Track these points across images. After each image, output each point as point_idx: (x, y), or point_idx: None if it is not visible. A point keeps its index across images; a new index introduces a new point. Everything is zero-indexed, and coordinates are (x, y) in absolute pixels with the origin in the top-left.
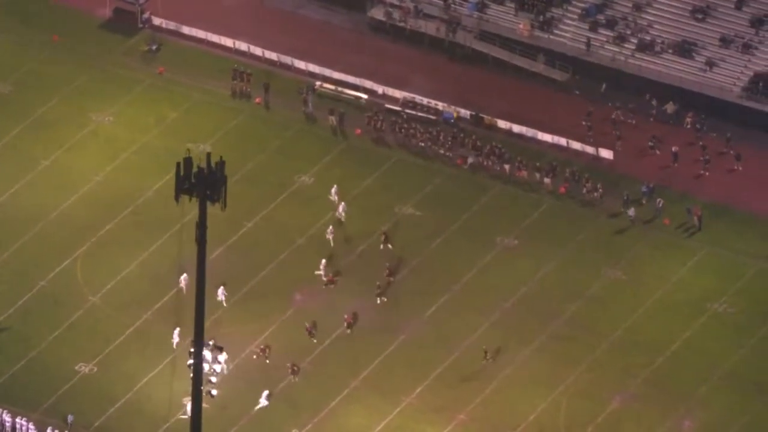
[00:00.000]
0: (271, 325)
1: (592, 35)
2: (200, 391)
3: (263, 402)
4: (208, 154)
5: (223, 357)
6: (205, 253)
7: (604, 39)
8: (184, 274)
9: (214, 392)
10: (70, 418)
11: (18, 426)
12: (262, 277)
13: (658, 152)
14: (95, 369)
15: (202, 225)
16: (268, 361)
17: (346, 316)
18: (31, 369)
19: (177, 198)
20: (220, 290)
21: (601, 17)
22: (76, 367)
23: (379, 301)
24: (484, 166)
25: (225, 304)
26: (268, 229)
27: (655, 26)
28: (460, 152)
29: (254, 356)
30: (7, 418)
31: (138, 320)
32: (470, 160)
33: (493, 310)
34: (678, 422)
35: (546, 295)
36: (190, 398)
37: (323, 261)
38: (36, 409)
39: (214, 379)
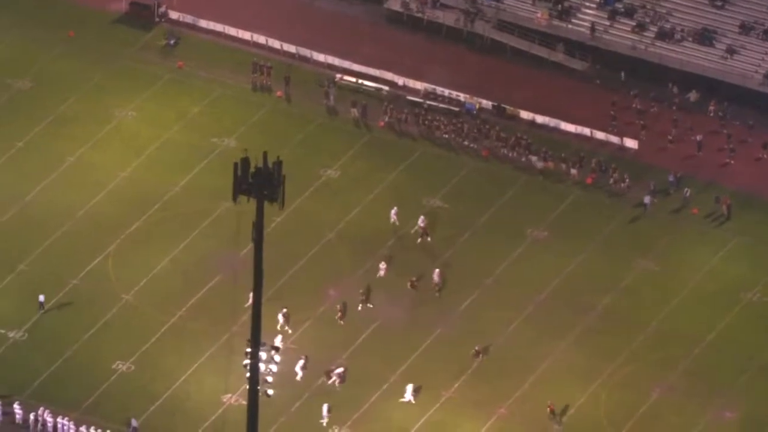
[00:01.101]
0: (305, 321)
1: (604, 22)
2: (257, 392)
3: (408, 397)
4: (265, 153)
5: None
6: (262, 253)
7: (609, 25)
8: None
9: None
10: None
11: (60, 426)
12: (295, 272)
13: (690, 137)
14: (132, 367)
15: (259, 225)
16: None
17: (338, 307)
18: (69, 368)
19: (235, 198)
20: (281, 314)
21: (619, 5)
22: (113, 366)
23: (360, 308)
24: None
25: (279, 328)
26: (297, 224)
27: (675, 14)
28: (485, 144)
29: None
30: (48, 417)
31: (173, 317)
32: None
33: (527, 303)
34: (719, 413)
35: (579, 287)
36: (229, 395)
37: (437, 270)
38: (76, 408)
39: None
